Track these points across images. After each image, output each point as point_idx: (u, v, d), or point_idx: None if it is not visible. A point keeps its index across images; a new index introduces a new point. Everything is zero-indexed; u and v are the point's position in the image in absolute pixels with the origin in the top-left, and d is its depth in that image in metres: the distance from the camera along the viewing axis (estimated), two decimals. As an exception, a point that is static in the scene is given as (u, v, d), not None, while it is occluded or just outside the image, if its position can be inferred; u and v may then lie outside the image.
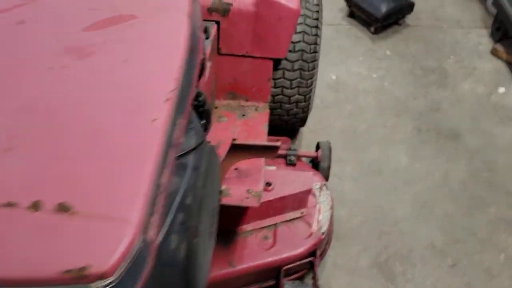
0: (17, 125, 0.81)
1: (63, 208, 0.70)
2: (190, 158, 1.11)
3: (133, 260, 0.71)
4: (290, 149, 2.18)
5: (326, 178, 2.34)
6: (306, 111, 2.32)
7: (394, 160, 2.58)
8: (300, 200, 1.97)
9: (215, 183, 1.29)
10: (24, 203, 0.70)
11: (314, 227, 1.94)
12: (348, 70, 3.11)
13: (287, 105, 2.22)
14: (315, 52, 2.14)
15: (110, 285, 0.67)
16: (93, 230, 0.70)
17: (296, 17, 2.01)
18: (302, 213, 1.97)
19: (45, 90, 0.86)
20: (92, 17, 1.03)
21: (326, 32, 3.39)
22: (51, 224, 0.68)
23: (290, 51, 2.08)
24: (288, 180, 2.00)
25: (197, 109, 1.32)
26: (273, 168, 2.10)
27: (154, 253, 0.80)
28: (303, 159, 2.34)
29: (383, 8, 3.38)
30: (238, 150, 1.68)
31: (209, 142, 1.27)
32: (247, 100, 2.12)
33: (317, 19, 2.15)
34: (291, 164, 2.15)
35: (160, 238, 0.90)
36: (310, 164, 2.34)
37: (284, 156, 2.16)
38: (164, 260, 0.98)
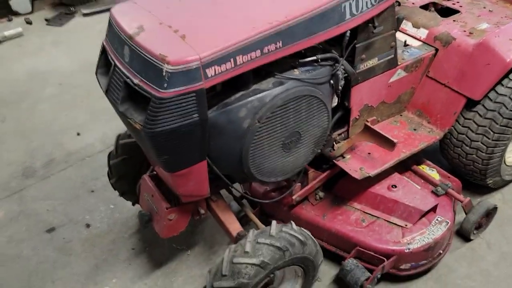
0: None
1: (182, 37, 1.50)
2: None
3: (187, 70, 1.41)
4: (447, 184, 2.30)
5: (467, 233, 2.32)
6: (485, 164, 2.33)
7: None
8: (409, 213, 2.15)
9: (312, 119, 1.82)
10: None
11: (405, 240, 2.09)
12: None
13: (467, 147, 2.32)
14: (517, 112, 2.16)
15: (170, 71, 1.40)
16: (180, 48, 1.45)
17: (505, 68, 2.12)
18: (406, 225, 2.15)
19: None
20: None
21: None
22: (174, 38, 1.50)
23: (490, 99, 2.19)
24: (412, 194, 2.20)
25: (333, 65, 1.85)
26: (415, 185, 2.31)
27: (205, 83, 1.47)
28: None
29: None
30: (367, 131, 2.06)
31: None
32: (428, 122, 2.36)
33: (541, 84, 2.15)
34: (435, 193, 2.28)
35: (219, 87, 1.62)
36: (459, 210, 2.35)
37: (435, 185, 2.31)
38: (230, 118, 1.63)
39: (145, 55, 1.48)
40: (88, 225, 2.64)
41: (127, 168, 2.31)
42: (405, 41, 2.36)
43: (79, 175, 2.99)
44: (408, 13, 2.48)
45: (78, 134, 3.32)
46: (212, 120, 1.62)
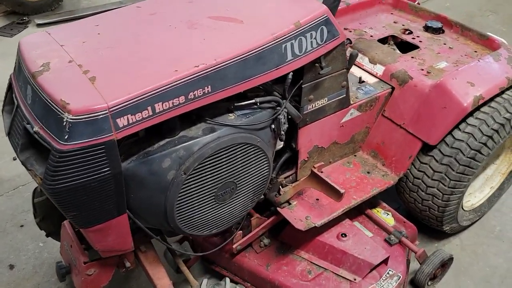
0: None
1: (91, 79, 1.29)
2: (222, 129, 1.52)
3: (92, 120, 1.21)
4: (400, 232, 2.15)
5: (421, 285, 2.17)
6: (441, 211, 2.20)
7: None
8: (358, 266, 1.98)
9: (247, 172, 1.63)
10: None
11: (353, 297, 1.92)
12: None
13: (422, 193, 2.18)
14: (473, 159, 2.03)
15: (71, 121, 1.19)
16: (86, 93, 1.25)
17: (462, 113, 1.99)
18: (354, 279, 1.97)
19: (156, 31, 1.50)
20: (218, 12, 1.57)
21: None
22: (81, 81, 1.29)
23: (446, 144, 2.06)
24: (362, 244, 2.03)
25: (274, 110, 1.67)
26: (367, 232, 2.15)
27: (115, 134, 1.26)
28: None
29: None
30: (314, 178, 1.90)
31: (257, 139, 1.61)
32: (383, 165, 2.22)
33: (496, 131, 2.03)
34: (387, 242, 2.12)
35: (143, 133, 1.43)
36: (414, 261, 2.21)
37: (389, 232, 2.16)
38: (151, 169, 1.43)
39: (46, 99, 1.28)
40: (12, 266, 2.38)
41: (52, 207, 2.07)
42: (360, 78, 2.21)
43: (10, 206, 2.72)
44: (365, 47, 2.34)
45: (14, 159, 3.05)
46: (130, 170, 1.42)
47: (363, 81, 2.21)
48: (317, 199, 2.03)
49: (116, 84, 1.30)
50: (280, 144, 1.90)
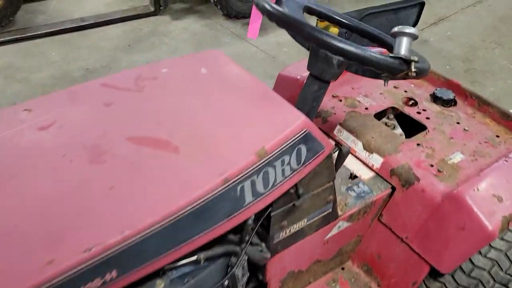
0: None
1: None
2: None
3: None
4: None
5: None
6: None
7: None
8: None
9: None
10: None
11: None
12: None
13: (428, 326, 1.69)
14: (499, 295, 1.54)
15: None
16: None
17: (486, 240, 1.49)
18: None
19: (37, 168, 0.95)
20: (145, 128, 1.04)
21: None
22: None
23: (463, 271, 1.57)
24: None
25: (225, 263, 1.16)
26: None
27: None
28: None
29: None
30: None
31: None
32: (378, 286, 1.72)
33: (529, 259, 1.54)
34: None
35: None
36: None
37: None
38: None
39: None
40: None
41: None
42: (351, 174, 1.70)
43: None
44: (359, 125, 1.83)
45: None
46: None
47: (356, 176, 1.71)
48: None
49: None
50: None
